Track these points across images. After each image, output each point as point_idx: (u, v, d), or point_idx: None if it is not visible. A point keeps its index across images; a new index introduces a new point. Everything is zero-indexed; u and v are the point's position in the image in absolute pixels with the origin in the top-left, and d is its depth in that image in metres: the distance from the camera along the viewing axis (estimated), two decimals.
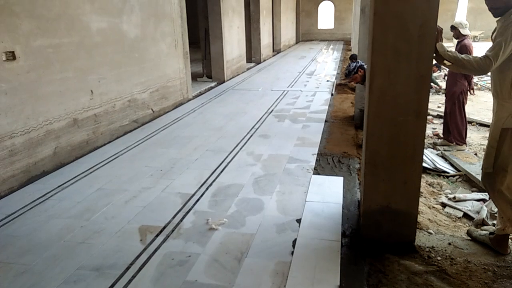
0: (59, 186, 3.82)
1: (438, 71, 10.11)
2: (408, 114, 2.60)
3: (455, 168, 4.62)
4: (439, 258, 2.73)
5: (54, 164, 4.27)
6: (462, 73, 5.05)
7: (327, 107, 7.08)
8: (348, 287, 2.37)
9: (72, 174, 4.10)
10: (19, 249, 2.77)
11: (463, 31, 5.01)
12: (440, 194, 3.98)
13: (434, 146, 5.40)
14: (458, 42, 5.12)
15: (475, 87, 8.93)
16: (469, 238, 3.04)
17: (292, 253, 2.70)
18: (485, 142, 5.45)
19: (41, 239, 2.90)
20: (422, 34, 2.46)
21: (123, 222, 3.12)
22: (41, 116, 4.08)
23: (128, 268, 2.54)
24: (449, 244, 2.94)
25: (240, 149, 4.86)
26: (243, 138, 5.28)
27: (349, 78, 4.67)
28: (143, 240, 2.86)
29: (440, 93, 8.77)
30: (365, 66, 4.29)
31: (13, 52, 3.73)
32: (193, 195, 3.60)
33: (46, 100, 4.15)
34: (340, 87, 9.10)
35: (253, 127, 5.81)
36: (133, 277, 2.46)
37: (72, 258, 2.66)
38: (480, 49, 19.34)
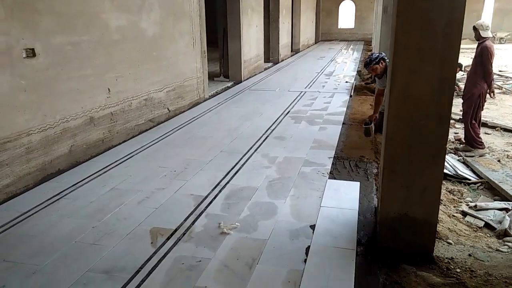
0: (73, 185, 3.83)
1: (461, 73, 9.84)
2: (430, 118, 2.50)
3: (477, 175, 4.46)
4: (458, 270, 2.62)
5: (69, 162, 4.29)
6: (482, 76, 4.94)
7: (345, 109, 6.96)
8: None
9: (87, 173, 4.11)
10: (31, 249, 2.78)
11: (483, 34, 4.96)
12: (461, 202, 3.84)
13: (455, 151, 5.24)
14: (478, 44, 5.05)
15: (498, 91, 8.67)
16: (490, 250, 2.91)
17: (305, 261, 2.62)
18: (510, 148, 5.29)
19: (52, 239, 2.90)
20: (447, 34, 2.36)
21: (135, 223, 3.10)
22: (58, 113, 4.11)
23: (137, 272, 2.51)
24: (469, 255, 2.82)
25: (255, 151, 4.80)
26: (258, 140, 5.22)
27: (369, 68, 4.44)
28: (154, 243, 2.83)
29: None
30: (387, 60, 4.07)
31: (33, 49, 3.75)
32: (206, 197, 3.56)
33: (64, 98, 4.18)
34: (359, 89, 8.94)
35: (269, 129, 5.74)
36: (142, 281, 2.42)
37: (82, 259, 2.65)
38: (506, 51, 18.59)
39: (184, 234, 2.95)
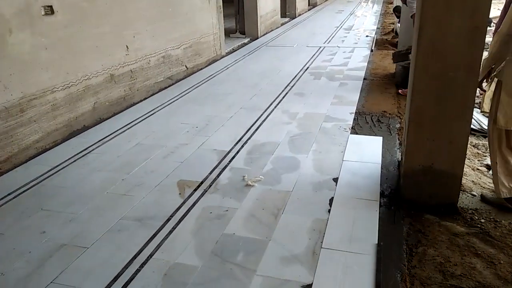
0: (99, 141, 3.93)
1: (488, 28, 9.42)
2: (459, 69, 2.43)
3: None
4: (482, 220, 2.64)
5: (94, 119, 4.37)
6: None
7: (366, 64, 6.80)
8: (387, 246, 2.34)
9: (111, 129, 4.19)
10: (65, 199, 2.90)
11: None
12: (485, 156, 3.80)
13: (480, 105, 5.12)
14: None
15: None
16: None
17: (329, 211, 2.68)
18: None
19: (85, 190, 3.02)
20: None
21: (162, 176, 3.19)
22: (79, 71, 4.14)
23: (168, 220, 2.61)
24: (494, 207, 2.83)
25: (275, 107, 4.79)
26: (278, 96, 5.19)
27: None
28: (182, 194, 2.92)
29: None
30: None
31: (51, 6, 3.73)
32: (229, 152, 3.61)
33: (84, 56, 4.19)
34: (380, 43, 8.69)
35: (288, 85, 5.69)
36: (174, 228, 2.53)
37: (115, 209, 2.76)
38: None
39: (210, 186, 3.03)
